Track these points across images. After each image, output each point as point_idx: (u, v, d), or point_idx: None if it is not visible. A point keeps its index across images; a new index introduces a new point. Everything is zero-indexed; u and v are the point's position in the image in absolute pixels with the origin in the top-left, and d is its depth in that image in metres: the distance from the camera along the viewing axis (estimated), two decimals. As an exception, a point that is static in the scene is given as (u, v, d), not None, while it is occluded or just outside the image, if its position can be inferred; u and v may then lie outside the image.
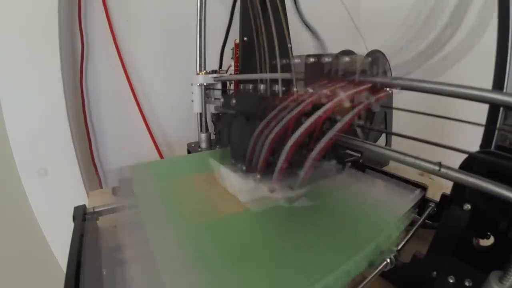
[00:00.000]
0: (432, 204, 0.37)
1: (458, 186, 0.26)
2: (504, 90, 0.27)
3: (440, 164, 0.23)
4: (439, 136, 0.26)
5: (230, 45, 0.65)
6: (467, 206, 0.25)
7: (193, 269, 0.22)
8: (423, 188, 0.37)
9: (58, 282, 0.26)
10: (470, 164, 0.25)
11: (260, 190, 0.30)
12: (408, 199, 0.34)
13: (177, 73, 0.78)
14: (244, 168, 0.33)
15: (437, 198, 0.37)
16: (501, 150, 0.25)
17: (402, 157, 0.25)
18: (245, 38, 0.46)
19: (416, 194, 0.36)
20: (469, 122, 0.23)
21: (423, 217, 0.35)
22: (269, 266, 0.23)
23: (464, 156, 0.25)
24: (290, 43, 0.41)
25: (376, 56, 0.31)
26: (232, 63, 0.61)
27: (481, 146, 0.29)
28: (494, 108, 0.27)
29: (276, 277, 0.21)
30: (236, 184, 0.34)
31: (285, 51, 0.39)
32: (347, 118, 0.26)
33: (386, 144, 0.55)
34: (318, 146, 0.25)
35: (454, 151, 0.23)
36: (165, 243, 0.25)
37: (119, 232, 0.28)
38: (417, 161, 0.24)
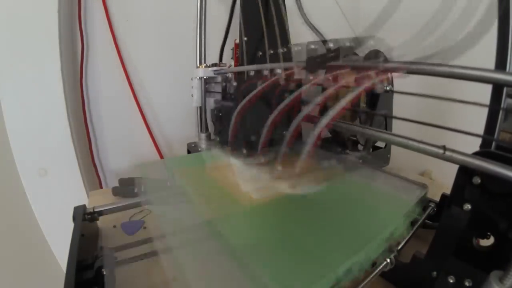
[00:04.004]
0: (432, 204, 0.37)
1: (458, 186, 0.26)
2: (507, 70, 0.26)
3: (444, 148, 0.22)
4: (437, 138, 0.26)
5: (230, 45, 0.65)
6: (467, 206, 0.25)
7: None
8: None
9: (58, 282, 0.26)
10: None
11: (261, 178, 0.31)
12: (415, 192, 0.35)
13: (177, 73, 0.78)
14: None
15: (437, 198, 0.37)
16: (501, 150, 0.25)
17: (405, 141, 0.25)
18: (245, 38, 0.46)
19: (421, 189, 0.36)
20: (472, 103, 0.22)
21: (423, 217, 0.35)
22: (296, 253, 0.23)
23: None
24: (290, 43, 0.41)
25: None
26: (232, 63, 0.61)
27: (481, 146, 0.29)
28: (494, 99, 0.27)
29: (302, 261, 0.22)
30: (239, 172, 0.34)
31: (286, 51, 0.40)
32: (347, 98, 0.26)
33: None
34: (318, 127, 0.26)
35: (458, 132, 0.23)
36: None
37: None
38: (421, 145, 0.24)
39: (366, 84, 0.26)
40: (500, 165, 0.19)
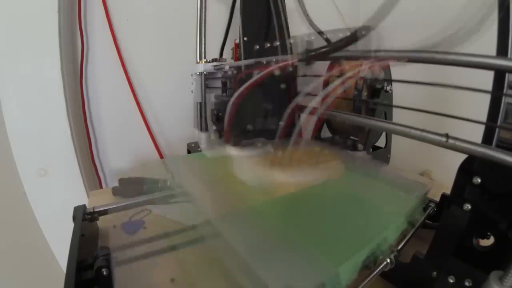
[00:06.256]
0: (432, 204, 0.37)
1: (458, 186, 0.26)
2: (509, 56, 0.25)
3: (447, 136, 0.22)
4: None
5: (230, 45, 0.65)
6: (467, 206, 0.25)
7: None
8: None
9: (58, 282, 0.26)
10: (470, 165, 0.25)
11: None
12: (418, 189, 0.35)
13: (177, 73, 0.78)
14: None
15: (437, 198, 0.37)
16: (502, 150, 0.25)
17: (407, 130, 0.25)
18: (245, 38, 0.46)
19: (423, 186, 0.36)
20: (472, 90, 0.22)
21: (423, 217, 0.35)
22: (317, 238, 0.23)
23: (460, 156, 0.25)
24: (290, 42, 0.41)
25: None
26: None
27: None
28: (495, 104, 0.27)
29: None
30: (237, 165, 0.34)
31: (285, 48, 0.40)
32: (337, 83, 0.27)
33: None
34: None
35: (461, 119, 0.23)
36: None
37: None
38: (423, 134, 0.24)
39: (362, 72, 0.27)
40: (503, 152, 0.19)
